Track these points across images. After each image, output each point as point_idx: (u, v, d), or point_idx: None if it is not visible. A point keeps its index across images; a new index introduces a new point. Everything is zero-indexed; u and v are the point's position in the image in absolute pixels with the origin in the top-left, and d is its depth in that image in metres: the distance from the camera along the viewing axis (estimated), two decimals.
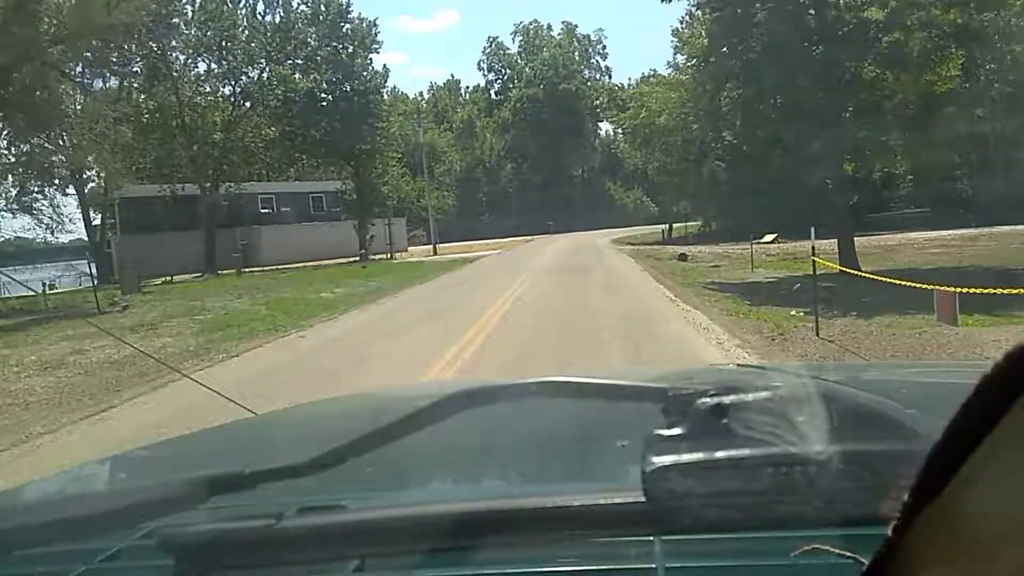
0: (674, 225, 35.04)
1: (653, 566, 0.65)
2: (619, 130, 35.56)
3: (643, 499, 0.63)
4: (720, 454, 0.65)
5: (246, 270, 29.62)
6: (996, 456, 0.40)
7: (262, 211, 40.55)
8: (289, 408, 1.88)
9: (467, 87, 69.03)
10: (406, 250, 38.18)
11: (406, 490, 1.02)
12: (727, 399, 0.73)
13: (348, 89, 31.50)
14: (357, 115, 33.36)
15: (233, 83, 29.34)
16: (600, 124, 65.79)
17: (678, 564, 0.66)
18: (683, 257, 20.57)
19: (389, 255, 34.28)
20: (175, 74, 29.95)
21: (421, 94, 74.85)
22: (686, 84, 35.41)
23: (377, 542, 0.70)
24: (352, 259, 32.67)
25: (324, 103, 31.50)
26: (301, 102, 29.85)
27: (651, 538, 0.68)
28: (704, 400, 0.74)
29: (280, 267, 31.11)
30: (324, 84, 30.71)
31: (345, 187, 33.01)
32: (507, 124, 58.98)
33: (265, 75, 29.10)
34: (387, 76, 30.66)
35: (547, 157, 58.23)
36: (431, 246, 38.14)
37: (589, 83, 64.81)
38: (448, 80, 71.30)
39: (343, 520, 0.74)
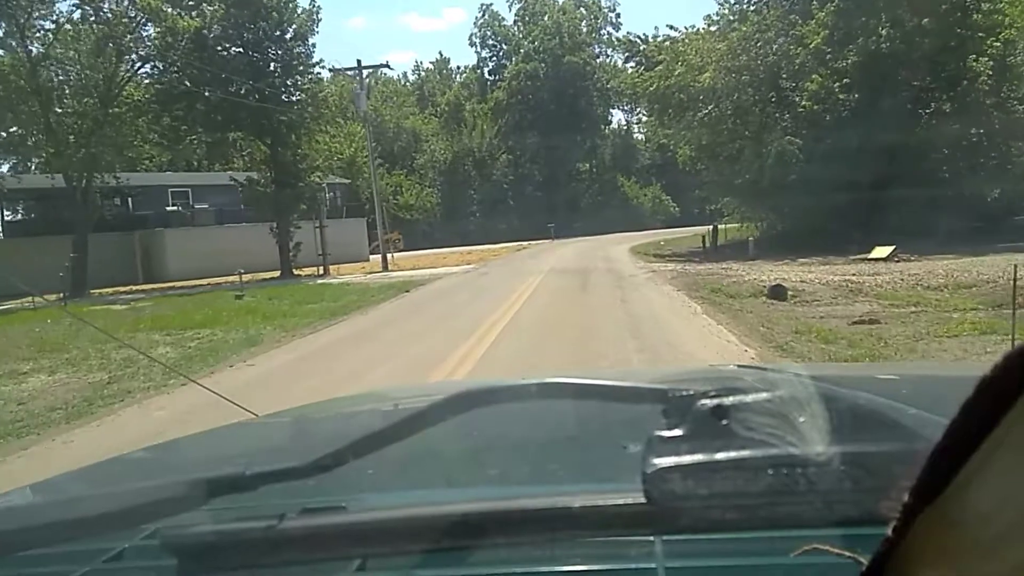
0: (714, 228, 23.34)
1: (653, 566, 0.68)
2: (640, 99, 23.38)
3: (643, 500, 0.67)
4: (720, 455, 0.67)
5: (135, 289, 24.26)
6: (996, 457, 0.41)
7: (170, 209, 36.20)
8: (290, 410, 1.80)
9: (458, 67, 58.62)
10: (367, 260, 32.58)
11: (407, 491, 1.03)
12: (727, 400, 0.75)
13: (260, 34, 19.87)
14: (272, 71, 21.42)
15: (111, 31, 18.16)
16: (612, 110, 55.12)
17: (678, 564, 0.69)
18: (779, 292, 11.95)
19: (320, 269, 26.94)
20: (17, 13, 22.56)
21: (405, 75, 64.24)
22: (749, 19, 21.88)
23: (378, 542, 0.73)
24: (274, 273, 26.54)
25: (222, 51, 19.86)
26: (183, 49, 18.32)
27: (651, 538, 0.71)
28: (704, 401, 0.76)
29: (171, 286, 25.02)
30: (221, 25, 19.25)
31: (263, 177, 21.17)
32: (502, 106, 48.24)
33: (131, 9, 18.08)
34: (318, 18, 19.55)
35: (549, 146, 48.92)
36: (391, 256, 30.98)
37: (599, 59, 53.63)
38: (437, 59, 60.56)
39: (344, 521, 0.76)
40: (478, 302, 13.67)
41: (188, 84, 23.64)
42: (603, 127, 60.84)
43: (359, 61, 27.54)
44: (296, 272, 26.27)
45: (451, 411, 0.96)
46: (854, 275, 14.72)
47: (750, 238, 22.90)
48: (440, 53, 75.64)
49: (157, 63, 23.56)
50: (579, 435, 1.15)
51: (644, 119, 31.41)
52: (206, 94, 23.66)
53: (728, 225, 30.52)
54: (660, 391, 0.86)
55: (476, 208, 55.17)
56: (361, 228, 38.36)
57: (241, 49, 24.56)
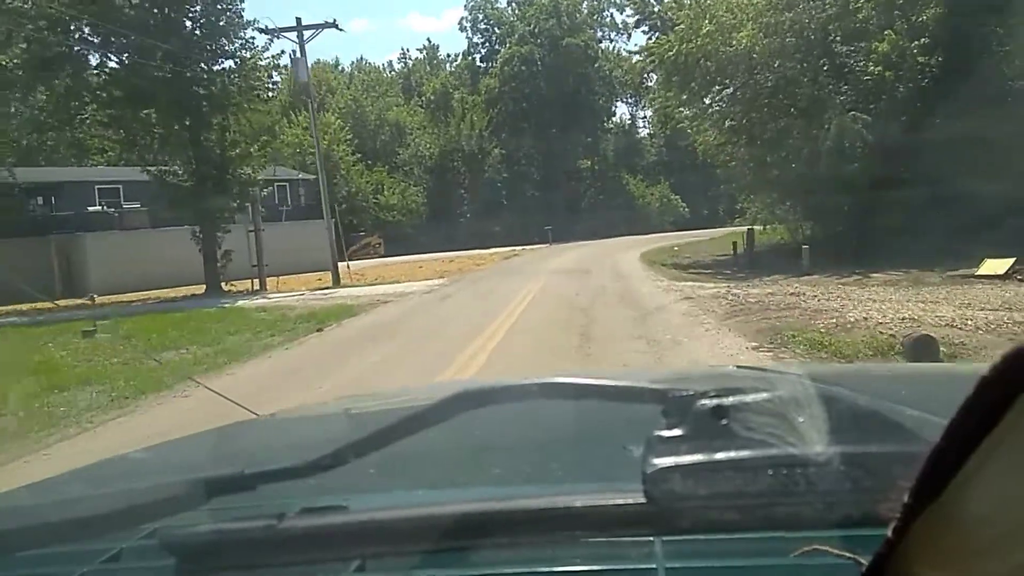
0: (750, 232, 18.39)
1: (653, 566, 0.70)
2: (653, 67, 16.54)
3: (643, 500, 0.69)
4: (720, 455, 0.69)
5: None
6: (995, 457, 0.42)
7: (92, 209, 29.16)
8: (290, 409, 1.96)
9: (448, 55, 53.32)
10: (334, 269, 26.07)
11: (407, 491, 1.05)
12: (727, 400, 0.77)
13: None
14: (189, 32, 14.42)
15: None
16: (616, 103, 49.93)
17: (678, 564, 0.71)
18: (927, 350, 6.35)
19: (255, 284, 21.82)
20: None
21: (390, 63, 58.68)
22: None
23: (378, 542, 0.75)
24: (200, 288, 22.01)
25: (123, 6, 13.16)
26: (69, 2, 11.81)
27: (651, 539, 0.73)
28: (704, 401, 0.78)
29: (81, 304, 19.63)
30: None
31: (183, 167, 14.40)
32: (494, 95, 42.52)
33: None
34: None
35: (546, 140, 42.79)
36: (348, 266, 25.02)
37: (601, 44, 48.48)
38: (426, 46, 55.31)
39: (344, 521, 0.78)
40: (405, 363, 8.12)
41: (76, 48, 18.09)
42: (605, 120, 55.06)
43: (299, 20, 22.12)
44: (227, 287, 20.76)
45: (451, 411, 0.97)
46: (1003, 307, 9.82)
47: (804, 245, 17.32)
48: (428, 40, 69.83)
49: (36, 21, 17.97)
50: (579, 435, 1.17)
51: (656, 97, 25.70)
52: (92, 60, 18.10)
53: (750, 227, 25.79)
54: (660, 391, 0.89)
55: (467, 209, 50.30)
56: (321, 231, 32.48)
57: (147, 4, 18.94)
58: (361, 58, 68.78)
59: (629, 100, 61.47)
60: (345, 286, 21.53)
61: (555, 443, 1.14)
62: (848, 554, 0.61)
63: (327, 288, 21.25)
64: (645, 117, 63.29)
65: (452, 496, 0.95)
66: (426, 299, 16.50)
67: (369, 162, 53.13)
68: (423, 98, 57.83)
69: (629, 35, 55.59)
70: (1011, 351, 0.39)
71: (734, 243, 22.34)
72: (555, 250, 34.94)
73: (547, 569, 0.70)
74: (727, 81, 22.00)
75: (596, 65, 55.39)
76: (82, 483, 1.26)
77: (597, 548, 0.71)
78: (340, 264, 24.07)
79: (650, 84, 27.23)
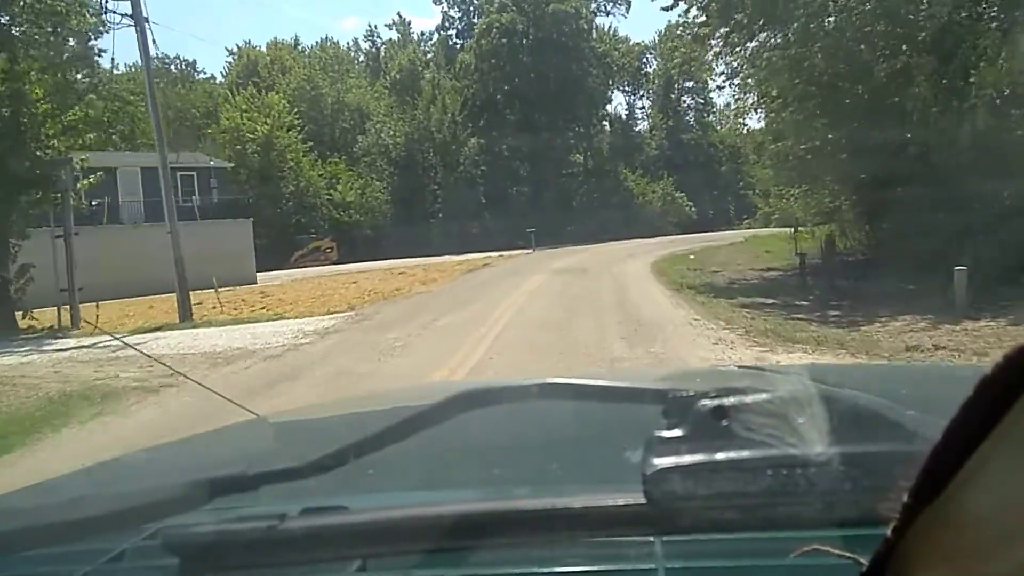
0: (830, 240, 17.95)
1: (653, 567, 0.72)
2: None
3: (643, 500, 0.70)
4: (720, 456, 0.71)
5: None
6: (995, 457, 0.43)
7: None
8: (291, 410, 2.02)
9: (422, 33, 46.14)
10: (254, 282, 21.71)
11: (408, 491, 1.06)
12: (727, 401, 0.78)
13: None
14: None
15: None
16: (613, 88, 42.66)
17: (678, 565, 0.73)
18: None
19: (66, 317, 14.77)
20: None
21: (356, 41, 50.88)
22: None
23: (379, 543, 0.76)
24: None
25: None
26: None
27: (651, 539, 0.75)
28: (704, 402, 0.79)
29: None
30: None
31: None
32: (470, 73, 34.53)
33: None
34: None
35: (532, 129, 34.55)
36: (217, 293, 17.54)
37: (596, 20, 41.42)
38: (396, 21, 47.92)
39: (345, 521, 0.79)
40: None
41: None
42: (600, 108, 47.43)
43: None
44: (26, 321, 13.12)
45: (451, 411, 0.97)
46: None
47: (957, 268, 9.82)
48: (399, 15, 60.90)
49: None
50: (579, 435, 1.18)
51: (676, 50, 18.42)
52: None
53: (767, 229, 24.63)
54: (660, 392, 0.89)
55: (439, 208, 42.77)
56: (245, 234, 24.60)
57: None
58: (325, 37, 61.10)
59: (626, 88, 54.66)
60: (196, 325, 13.82)
61: (555, 443, 1.15)
62: (848, 554, 0.61)
63: (162, 328, 13.53)
64: (644, 108, 56.99)
65: (452, 496, 0.96)
66: (254, 374, 8.40)
67: (327, 152, 45.65)
68: (388, 77, 50.19)
69: (628, 6, 49.22)
70: (1012, 351, 0.39)
71: (801, 257, 15.36)
72: (538, 258, 29.13)
73: (547, 569, 0.70)
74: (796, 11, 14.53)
75: (591, 42, 46.59)
76: (84, 483, 1.25)
77: (597, 548, 0.71)
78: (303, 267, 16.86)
79: (649, 70, 19.84)
